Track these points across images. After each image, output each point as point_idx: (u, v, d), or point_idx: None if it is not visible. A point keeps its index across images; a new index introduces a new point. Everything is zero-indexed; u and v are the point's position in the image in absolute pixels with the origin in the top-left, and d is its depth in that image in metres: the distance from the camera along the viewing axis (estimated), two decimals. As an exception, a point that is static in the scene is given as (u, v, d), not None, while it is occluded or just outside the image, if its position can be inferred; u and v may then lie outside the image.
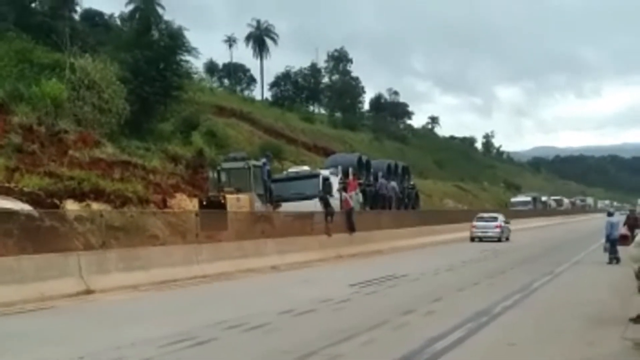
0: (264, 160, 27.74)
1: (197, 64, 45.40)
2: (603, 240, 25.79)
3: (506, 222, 42.13)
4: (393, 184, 40.05)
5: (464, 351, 9.45)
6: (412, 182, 45.35)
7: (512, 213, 65.74)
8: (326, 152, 56.86)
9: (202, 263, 19.70)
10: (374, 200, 37.36)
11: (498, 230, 40.00)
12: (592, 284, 18.10)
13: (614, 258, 23.85)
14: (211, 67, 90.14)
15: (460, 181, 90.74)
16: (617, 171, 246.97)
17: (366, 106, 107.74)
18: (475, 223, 41.16)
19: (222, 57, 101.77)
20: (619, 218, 26.20)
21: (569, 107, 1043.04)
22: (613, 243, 24.14)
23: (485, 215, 43.71)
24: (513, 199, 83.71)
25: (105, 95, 29.46)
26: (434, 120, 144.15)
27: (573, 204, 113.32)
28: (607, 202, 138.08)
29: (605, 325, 11.52)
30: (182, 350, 9.50)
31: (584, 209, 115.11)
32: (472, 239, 39.82)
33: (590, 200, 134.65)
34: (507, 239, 40.50)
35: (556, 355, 9.24)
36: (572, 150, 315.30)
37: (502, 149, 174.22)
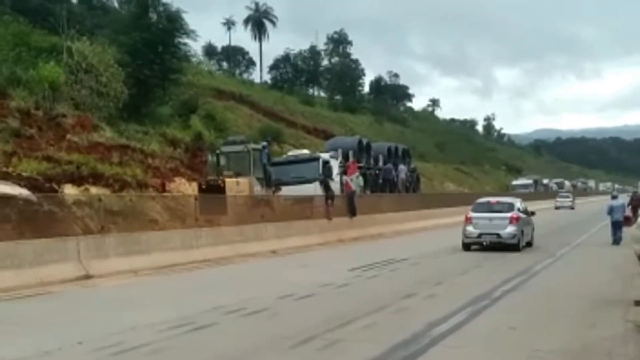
0: (263, 143, 27.62)
1: (195, 47, 45.44)
2: (607, 221, 25.96)
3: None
4: (402, 167, 40.22)
5: (465, 335, 9.41)
6: (412, 165, 45.21)
7: (513, 196, 65.84)
8: (326, 135, 56.65)
9: (201, 247, 19.63)
10: (383, 184, 37.49)
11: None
12: (594, 267, 18.08)
13: (617, 239, 24.15)
14: (210, 50, 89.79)
15: (461, 164, 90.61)
16: (618, 153, 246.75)
17: (366, 89, 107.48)
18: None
19: (220, 40, 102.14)
20: (623, 201, 26.26)
21: (569, 88, 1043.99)
22: (615, 225, 24.46)
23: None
24: (514, 182, 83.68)
25: (103, 79, 29.26)
26: (434, 102, 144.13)
27: (574, 186, 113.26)
28: (608, 184, 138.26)
29: (608, 307, 11.48)
30: (181, 335, 9.44)
31: (585, 192, 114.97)
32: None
33: (591, 183, 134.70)
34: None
35: (557, 338, 9.17)
36: (574, 132, 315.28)
37: (503, 131, 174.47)
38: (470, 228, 22.97)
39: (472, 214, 23.50)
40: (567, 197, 69.10)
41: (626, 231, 20.61)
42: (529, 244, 23.81)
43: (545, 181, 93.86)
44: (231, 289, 14.12)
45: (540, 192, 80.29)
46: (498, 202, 24.87)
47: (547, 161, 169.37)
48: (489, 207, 23.93)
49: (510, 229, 22.31)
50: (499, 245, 22.17)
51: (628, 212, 23.10)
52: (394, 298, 12.38)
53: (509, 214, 22.73)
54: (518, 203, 24.36)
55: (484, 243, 22.78)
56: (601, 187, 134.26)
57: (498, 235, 22.47)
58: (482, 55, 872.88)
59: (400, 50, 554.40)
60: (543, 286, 14.41)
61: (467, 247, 22.95)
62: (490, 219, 22.83)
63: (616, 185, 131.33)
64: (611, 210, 24.99)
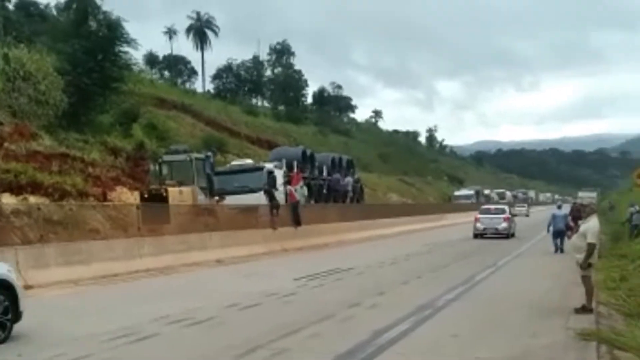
0: (208, 153, 27.51)
1: (136, 56, 44.84)
2: (545, 232, 27.06)
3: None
4: (348, 178, 40.60)
5: (409, 343, 9.47)
6: (356, 176, 45.45)
7: (455, 207, 66.94)
8: (270, 146, 56.55)
9: (144, 257, 19.37)
10: (328, 194, 37.69)
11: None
12: (535, 276, 18.41)
13: (559, 248, 24.84)
14: (151, 59, 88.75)
15: (404, 175, 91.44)
16: (557, 164, 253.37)
17: (309, 99, 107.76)
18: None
19: (162, 49, 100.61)
20: (565, 211, 26.95)
21: (509, 101, 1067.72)
22: (556, 234, 25.23)
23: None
24: (456, 193, 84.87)
25: (41, 87, 28.67)
26: (377, 114, 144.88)
27: (515, 197, 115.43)
28: (548, 195, 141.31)
29: (549, 316, 11.68)
30: (124, 345, 9.29)
31: (526, 202, 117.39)
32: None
33: (532, 193, 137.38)
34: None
35: (500, 346, 9.31)
36: (514, 144, 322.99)
37: (445, 143, 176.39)
38: (478, 225, 35.34)
39: (479, 216, 36.16)
40: (524, 206, 78.67)
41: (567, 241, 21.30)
42: (513, 235, 35.10)
43: (486, 192, 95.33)
44: (175, 299, 13.92)
45: (481, 203, 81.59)
46: (495, 208, 38.57)
47: (488, 172, 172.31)
48: (489, 211, 37.34)
49: (504, 225, 34.87)
50: (497, 234, 34.08)
51: (569, 221, 23.70)
52: (339, 307, 12.39)
53: (502, 215, 35.68)
54: (507, 209, 37.96)
55: (487, 234, 34.45)
56: (541, 197, 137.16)
57: (496, 229, 34.74)
58: (423, 67, 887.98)
59: (343, 61, 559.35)
60: (485, 295, 14.62)
61: (476, 237, 34.55)
62: (491, 218, 35.53)
63: (556, 196, 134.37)
64: (554, 219, 25.72)
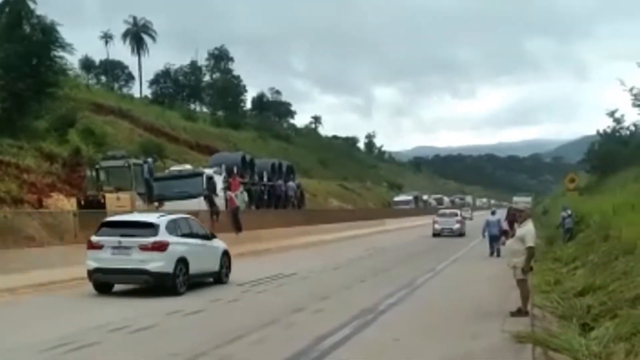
0: (148, 160, 27.19)
1: (72, 60, 43.87)
2: (482, 237, 27.86)
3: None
4: (291, 184, 40.74)
5: (352, 348, 9.55)
6: (297, 182, 45.51)
7: (395, 212, 67.56)
8: (210, 151, 56.13)
9: (81, 264, 18.87)
10: (271, 200, 37.76)
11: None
12: (472, 280, 18.73)
13: (494, 251, 25.60)
14: (87, 64, 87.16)
15: (344, 180, 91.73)
16: (493, 170, 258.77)
17: (249, 105, 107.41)
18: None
19: (98, 54, 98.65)
20: (499, 217, 27.33)
21: (446, 107, 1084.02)
22: (492, 239, 26.08)
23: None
24: (395, 198, 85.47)
25: (-26, 92, 27.87)
26: (317, 119, 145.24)
27: (453, 202, 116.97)
28: (484, 200, 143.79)
29: (486, 319, 11.92)
30: (63, 354, 9.11)
31: (463, 207, 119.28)
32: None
33: (469, 198, 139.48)
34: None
35: (440, 349, 9.50)
36: (451, 149, 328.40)
37: (383, 148, 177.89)
38: (437, 226, 41.91)
39: (437, 218, 42.88)
40: (468, 210, 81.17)
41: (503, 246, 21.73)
42: (464, 234, 40.96)
43: (424, 197, 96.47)
44: (116, 306, 13.67)
45: (419, 209, 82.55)
46: (450, 212, 46.11)
47: (426, 178, 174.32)
48: (445, 215, 44.34)
49: (457, 226, 41.93)
50: (452, 234, 40.53)
51: (505, 226, 24.16)
52: (283, 313, 12.39)
53: (455, 218, 43.01)
54: (459, 212, 46.21)
55: (443, 233, 40.79)
56: (478, 202, 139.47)
57: (451, 229, 41.54)
58: (361, 74, 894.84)
59: (281, 67, 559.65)
60: (425, 299, 14.85)
61: (435, 235, 40.61)
62: (447, 221, 42.42)
63: (492, 201, 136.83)
64: (488, 225, 26.63)
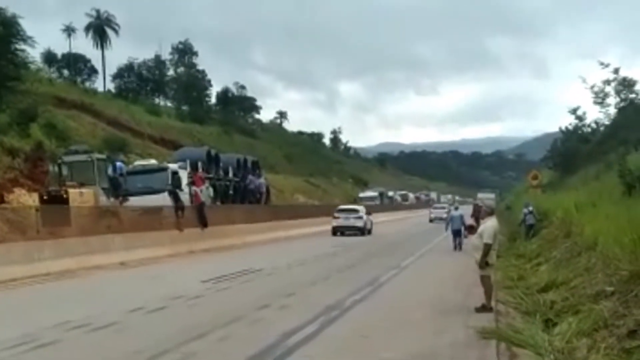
0: (117, 161, 26.76)
1: (34, 54, 43.13)
2: (445, 232, 29.04)
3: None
4: (262, 180, 40.97)
5: (318, 344, 9.53)
6: (263, 177, 45.38)
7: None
8: (174, 146, 55.84)
9: (44, 260, 18.64)
10: (238, 195, 37.72)
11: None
12: (437, 276, 18.85)
13: (457, 245, 26.78)
14: (49, 57, 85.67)
15: (310, 176, 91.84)
16: (457, 166, 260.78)
17: (213, 100, 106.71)
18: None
19: (60, 47, 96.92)
20: (462, 212, 28.66)
21: (410, 103, 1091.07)
22: (455, 233, 27.36)
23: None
24: (361, 194, 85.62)
25: None
26: (282, 115, 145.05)
27: (418, 198, 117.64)
28: (449, 196, 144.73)
29: (450, 315, 12.00)
30: (23, 353, 8.94)
31: (428, 203, 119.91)
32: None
33: (434, 195, 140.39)
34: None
35: (406, 344, 9.54)
36: (416, 146, 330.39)
37: (349, 144, 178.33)
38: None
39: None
40: (443, 207, 69.86)
41: (467, 241, 21.98)
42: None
43: (390, 193, 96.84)
44: (77, 304, 13.46)
45: (385, 205, 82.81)
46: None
47: (391, 174, 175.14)
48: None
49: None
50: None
51: (472, 221, 24.50)
52: (248, 309, 12.31)
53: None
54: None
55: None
56: (442, 199, 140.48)
57: (441, 217, 47.20)
58: (324, 69, 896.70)
59: (244, 62, 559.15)
60: (390, 296, 14.89)
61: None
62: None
63: (457, 197, 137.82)
64: (451, 220, 27.95)
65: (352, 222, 39.47)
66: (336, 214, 40.34)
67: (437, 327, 10.78)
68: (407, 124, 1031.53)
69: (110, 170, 26.41)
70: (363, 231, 38.88)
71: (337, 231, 38.99)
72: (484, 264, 12.12)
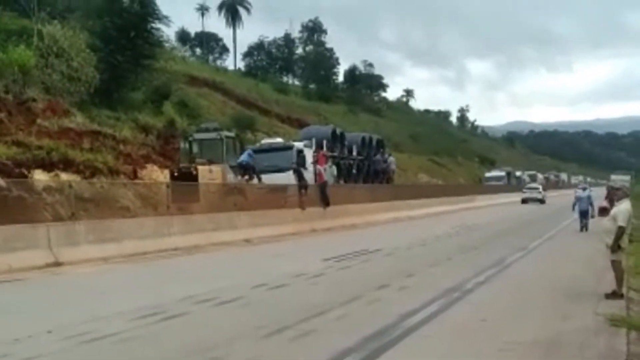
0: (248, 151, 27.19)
1: (168, 33, 44.84)
2: (573, 212, 29.13)
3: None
4: (392, 158, 41.18)
5: (436, 327, 9.38)
6: (386, 156, 45.27)
7: (486, 188, 66.40)
8: (300, 124, 56.48)
9: (173, 235, 19.44)
10: (375, 174, 38.12)
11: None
12: (565, 259, 18.16)
13: (584, 226, 26.96)
14: (183, 36, 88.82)
15: (434, 155, 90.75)
16: (590, 146, 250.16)
17: (340, 78, 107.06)
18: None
19: (194, 26, 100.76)
20: (589, 193, 28.40)
21: (541, 81, 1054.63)
22: (582, 214, 27.48)
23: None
24: (487, 174, 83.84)
25: (74, 64, 28.82)
26: (408, 93, 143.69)
27: (547, 179, 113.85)
28: (580, 177, 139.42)
29: (578, 300, 11.51)
30: (152, 324, 9.32)
31: (557, 184, 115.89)
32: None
33: (564, 176, 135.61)
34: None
35: (528, 330, 9.18)
36: (547, 125, 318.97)
37: (476, 123, 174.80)
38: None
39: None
40: (537, 188, 66.03)
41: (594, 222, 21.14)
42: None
43: (517, 173, 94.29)
44: (203, 278, 14.00)
45: (512, 185, 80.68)
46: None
47: (520, 153, 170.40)
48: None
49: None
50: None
51: (605, 203, 23.71)
52: (367, 289, 12.33)
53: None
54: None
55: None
56: (573, 180, 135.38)
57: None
58: (453, 46, 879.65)
59: (372, 40, 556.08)
60: (516, 278, 14.46)
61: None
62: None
63: (588, 179, 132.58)
64: (578, 200, 28.05)
65: (535, 195, 60.67)
66: (524, 190, 63.88)
67: (564, 312, 10.37)
68: (538, 103, 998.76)
69: (244, 156, 26.80)
70: (541, 201, 58.43)
71: (525, 201, 58.79)
72: (616, 247, 11.62)
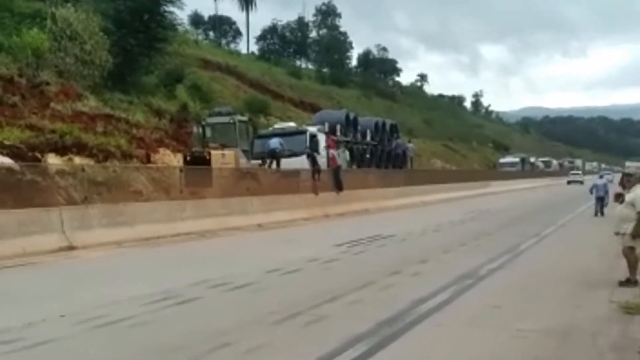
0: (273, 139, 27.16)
1: (181, 16, 44.69)
2: (591, 195, 29.79)
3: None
4: (411, 145, 41.26)
5: (449, 313, 9.32)
6: (399, 141, 45.09)
7: (500, 174, 66.10)
8: (313, 109, 56.36)
9: (186, 220, 19.47)
10: (395, 160, 38.21)
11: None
12: (579, 247, 18.01)
13: (599, 210, 27.92)
14: (196, 20, 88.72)
15: (449, 140, 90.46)
16: (606, 133, 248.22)
17: (354, 62, 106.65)
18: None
19: (207, 9, 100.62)
20: (605, 180, 29.25)
21: (556, 66, 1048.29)
22: (597, 200, 28.31)
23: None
24: (501, 160, 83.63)
25: (87, 47, 28.74)
26: (422, 77, 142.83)
27: (561, 165, 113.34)
28: (594, 164, 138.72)
29: (592, 287, 11.41)
30: (165, 308, 9.35)
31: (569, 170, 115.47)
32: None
33: (578, 162, 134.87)
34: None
35: (542, 317, 9.10)
36: (561, 110, 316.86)
37: (490, 108, 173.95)
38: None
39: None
40: (579, 174, 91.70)
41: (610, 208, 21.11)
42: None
43: (532, 159, 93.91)
44: (216, 263, 14.02)
45: (526, 171, 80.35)
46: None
47: (534, 139, 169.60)
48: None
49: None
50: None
51: (619, 189, 23.56)
52: (380, 275, 12.28)
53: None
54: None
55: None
56: (587, 166, 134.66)
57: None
58: (467, 31, 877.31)
59: (386, 24, 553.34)
60: (529, 265, 14.33)
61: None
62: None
63: (603, 165, 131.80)
64: (595, 187, 28.81)
65: (577, 177, 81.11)
66: (570, 174, 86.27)
67: (578, 301, 10.25)
68: (552, 88, 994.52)
69: (275, 143, 26.73)
70: (582, 182, 71.96)
71: (569, 182, 77.61)
72: (638, 233, 11.49)
